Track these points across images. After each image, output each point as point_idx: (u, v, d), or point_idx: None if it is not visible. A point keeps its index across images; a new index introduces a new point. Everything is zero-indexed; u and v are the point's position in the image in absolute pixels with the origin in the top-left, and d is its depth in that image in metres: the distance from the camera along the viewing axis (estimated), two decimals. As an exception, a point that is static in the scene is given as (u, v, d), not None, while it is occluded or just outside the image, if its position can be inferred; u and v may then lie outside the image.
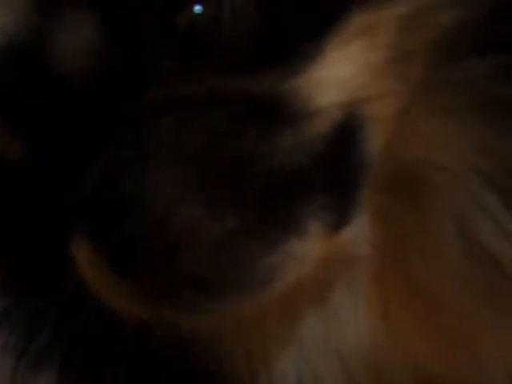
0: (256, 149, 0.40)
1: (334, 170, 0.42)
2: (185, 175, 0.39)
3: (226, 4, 0.41)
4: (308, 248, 0.42)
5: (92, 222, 0.40)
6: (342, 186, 0.43)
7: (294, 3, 0.42)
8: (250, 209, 0.39)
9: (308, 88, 0.42)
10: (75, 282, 0.43)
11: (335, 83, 0.42)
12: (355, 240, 0.48)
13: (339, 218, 0.43)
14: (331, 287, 0.51)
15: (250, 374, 0.53)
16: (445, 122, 0.46)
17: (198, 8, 0.41)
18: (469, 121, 0.46)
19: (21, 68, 0.43)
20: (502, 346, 0.51)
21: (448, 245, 0.48)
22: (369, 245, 0.50)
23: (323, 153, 0.41)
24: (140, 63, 0.42)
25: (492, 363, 0.51)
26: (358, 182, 0.44)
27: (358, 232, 0.48)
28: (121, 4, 0.41)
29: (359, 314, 0.52)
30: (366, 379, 0.53)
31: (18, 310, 0.53)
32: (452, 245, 0.48)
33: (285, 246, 0.40)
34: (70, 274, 0.43)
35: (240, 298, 0.42)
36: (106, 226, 0.38)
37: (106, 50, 0.41)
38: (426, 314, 0.51)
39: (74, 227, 0.42)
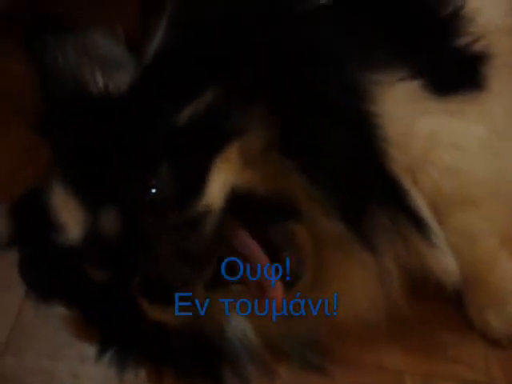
0: (193, 238, 0.74)
1: None
2: (173, 259, 0.73)
3: (161, 185, 0.75)
4: None
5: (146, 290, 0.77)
6: None
7: (192, 172, 0.75)
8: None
9: (207, 204, 0.74)
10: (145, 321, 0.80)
11: (221, 194, 0.75)
12: None
13: None
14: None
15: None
16: (285, 180, 0.77)
17: (153, 191, 0.75)
18: (296, 175, 0.75)
19: (92, 244, 0.77)
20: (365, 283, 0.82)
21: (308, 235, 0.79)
22: None
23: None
24: (137, 223, 0.76)
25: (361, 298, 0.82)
26: None
27: None
28: (121, 201, 0.75)
29: None
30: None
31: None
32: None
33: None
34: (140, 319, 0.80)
35: None
36: (152, 290, 0.76)
37: (123, 224, 0.75)
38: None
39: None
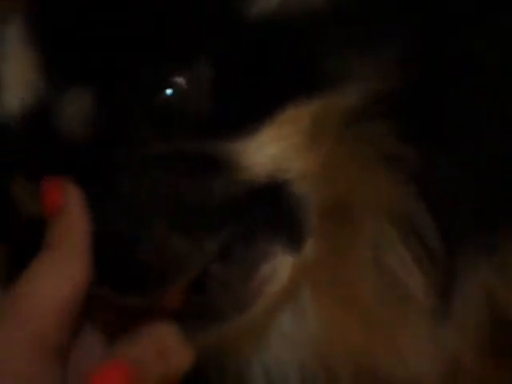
0: (201, 189, 0.51)
1: (275, 213, 0.54)
2: (165, 212, 0.50)
3: (191, 89, 0.52)
4: (281, 271, 0.55)
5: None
6: (291, 225, 0.55)
7: (241, 95, 0.53)
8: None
9: (243, 153, 0.53)
10: None
11: (265, 156, 0.53)
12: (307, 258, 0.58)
13: (297, 249, 0.55)
14: (290, 296, 0.61)
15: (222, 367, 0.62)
16: (359, 169, 0.57)
17: (169, 92, 0.51)
18: (375, 168, 0.56)
19: (36, 132, 0.53)
20: (413, 338, 0.61)
21: (366, 266, 0.59)
22: (315, 261, 0.59)
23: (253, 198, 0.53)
24: (125, 131, 0.52)
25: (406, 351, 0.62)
26: (300, 222, 0.55)
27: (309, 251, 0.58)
28: (111, 83, 0.51)
29: (310, 313, 0.61)
30: (316, 366, 0.62)
31: None
32: (369, 266, 0.59)
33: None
34: None
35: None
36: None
37: (99, 120, 0.52)
38: (358, 315, 0.61)
39: None
